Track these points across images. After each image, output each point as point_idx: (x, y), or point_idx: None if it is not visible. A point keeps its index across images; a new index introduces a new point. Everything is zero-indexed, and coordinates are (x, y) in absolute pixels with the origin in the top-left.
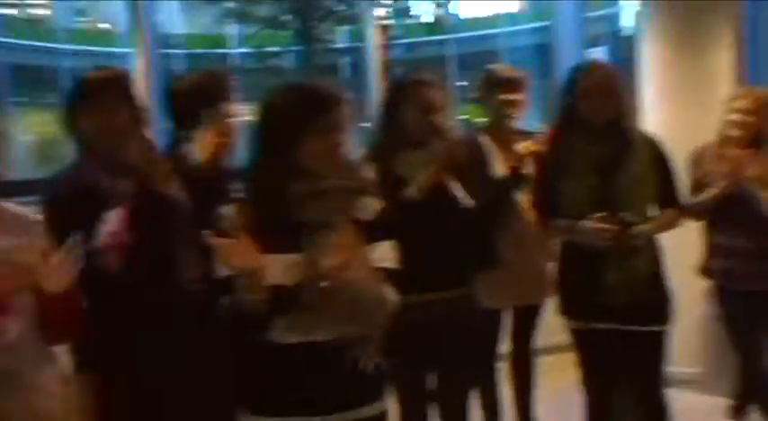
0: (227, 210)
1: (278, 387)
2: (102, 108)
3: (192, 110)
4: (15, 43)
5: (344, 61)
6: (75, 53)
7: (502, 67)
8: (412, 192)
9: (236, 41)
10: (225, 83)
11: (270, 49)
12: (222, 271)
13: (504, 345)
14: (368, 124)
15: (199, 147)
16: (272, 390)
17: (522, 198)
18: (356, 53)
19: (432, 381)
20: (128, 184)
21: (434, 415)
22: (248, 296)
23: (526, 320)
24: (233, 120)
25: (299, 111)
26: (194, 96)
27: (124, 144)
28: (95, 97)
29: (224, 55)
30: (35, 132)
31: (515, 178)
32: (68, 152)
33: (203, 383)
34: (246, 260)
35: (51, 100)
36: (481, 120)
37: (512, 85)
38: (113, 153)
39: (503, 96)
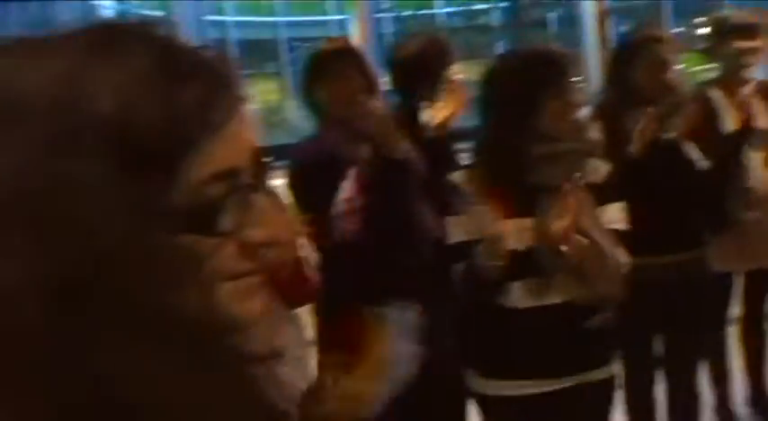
0: (458, 176)
1: (509, 350)
2: (336, 77)
3: (415, 77)
4: (241, 21)
5: (552, 15)
6: (291, 24)
7: (735, 12)
8: (634, 149)
9: (443, 1)
10: (446, 48)
11: (476, 6)
12: (455, 236)
13: (735, 310)
14: (580, 79)
15: (424, 113)
16: (502, 354)
17: (757, 154)
18: (565, 6)
19: (659, 347)
20: (364, 151)
21: (662, 381)
22: (487, 261)
23: (759, 284)
24: (455, 84)
25: (539, 73)
26: (418, 63)
27: (359, 112)
28: (329, 68)
29: (431, 15)
30: (260, 101)
31: (749, 133)
32: (290, 118)
33: (434, 346)
34: (489, 225)
35: (272, 69)
36: (707, 70)
37: (748, 31)
38: (349, 121)
39: (738, 44)
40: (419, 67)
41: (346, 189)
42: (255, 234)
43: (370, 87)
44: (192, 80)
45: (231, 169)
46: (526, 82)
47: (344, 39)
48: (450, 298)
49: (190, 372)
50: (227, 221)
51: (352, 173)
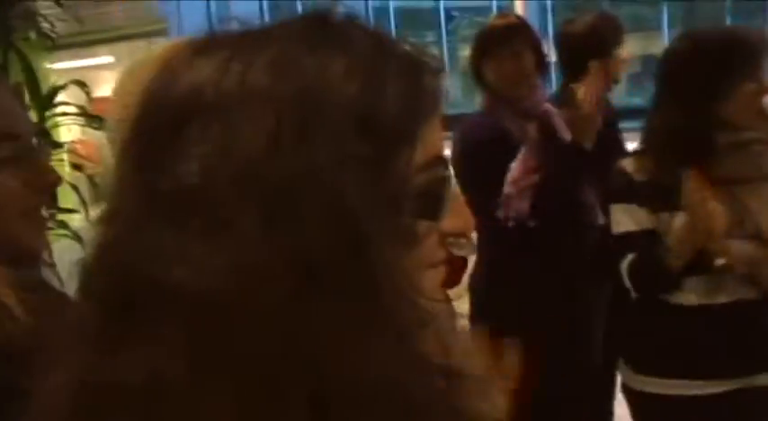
0: (628, 163)
1: (671, 348)
2: (507, 55)
3: (586, 54)
4: None
5: None
6: None
7: None
8: None
9: None
10: (617, 25)
11: None
12: (622, 226)
13: None
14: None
15: (591, 93)
16: (664, 352)
17: None
18: None
19: None
20: (533, 130)
21: None
22: (669, 257)
23: None
24: (623, 64)
25: (731, 55)
26: (589, 40)
27: (530, 89)
28: (501, 44)
29: None
30: None
31: None
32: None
33: (586, 336)
34: (674, 219)
35: (430, 39)
36: None
37: None
38: (519, 98)
39: None
40: (590, 44)
41: (516, 169)
42: (451, 224)
43: (541, 65)
44: (416, 67)
45: (437, 156)
46: (715, 64)
47: (515, 14)
48: (609, 288)
49: (404, 362)
50: (435, 208)
51: (522, 153)
